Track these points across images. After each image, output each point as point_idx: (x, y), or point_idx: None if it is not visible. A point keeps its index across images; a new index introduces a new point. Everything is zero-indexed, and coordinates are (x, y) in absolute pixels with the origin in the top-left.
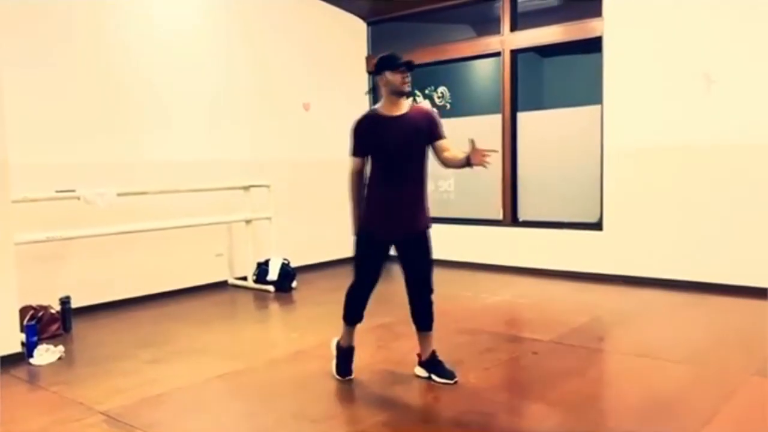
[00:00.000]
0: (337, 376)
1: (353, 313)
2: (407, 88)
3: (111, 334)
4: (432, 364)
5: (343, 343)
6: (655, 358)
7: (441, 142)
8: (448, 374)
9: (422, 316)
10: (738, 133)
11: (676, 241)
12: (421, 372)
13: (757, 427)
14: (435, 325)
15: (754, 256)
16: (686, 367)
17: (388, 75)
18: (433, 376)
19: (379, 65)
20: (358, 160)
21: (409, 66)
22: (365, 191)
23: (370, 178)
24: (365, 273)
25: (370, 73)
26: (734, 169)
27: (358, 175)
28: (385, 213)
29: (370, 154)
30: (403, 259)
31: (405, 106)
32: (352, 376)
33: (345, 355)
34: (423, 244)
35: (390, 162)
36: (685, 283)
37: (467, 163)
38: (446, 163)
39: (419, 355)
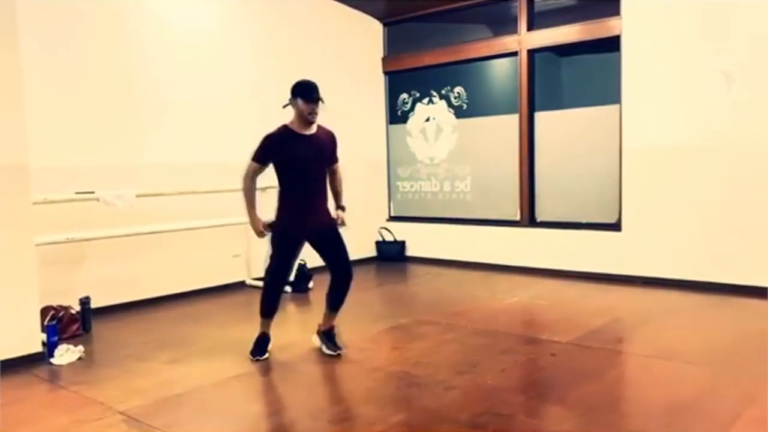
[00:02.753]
0: (252, 357)
1: (272, 305)
2: (313, 118)
3: (130, 335)
4: (327, 336)
5: (263, 332)
6: (675, 360)
7: (335, 166)
8: (337, 347)
9: (338, 297)
10: (759, 132)
11: (696, 241)
12: (316, 341)
13: None
14: (451, 324)
15: None
16: (707, 370)
17: (300, 103)
18: (324, 348)
19: (295, 92)
20: (256, 165)
21: (321, 101)
22: (278, 198)
23: (282, 187)
24: (284, 264)
25: (386, 73)
26: (755, 168)
27: (251, 179)
28: (298, 214)
29: (281, 165)
30: (322, 250)
31: (314, 126)
32: (262, 357)
33: (263, 340)
34: (334, 233)
35: (300, 173)
36: (705, 285)
37: (337, 207)
38: (332, 186)
39: (319, 325)
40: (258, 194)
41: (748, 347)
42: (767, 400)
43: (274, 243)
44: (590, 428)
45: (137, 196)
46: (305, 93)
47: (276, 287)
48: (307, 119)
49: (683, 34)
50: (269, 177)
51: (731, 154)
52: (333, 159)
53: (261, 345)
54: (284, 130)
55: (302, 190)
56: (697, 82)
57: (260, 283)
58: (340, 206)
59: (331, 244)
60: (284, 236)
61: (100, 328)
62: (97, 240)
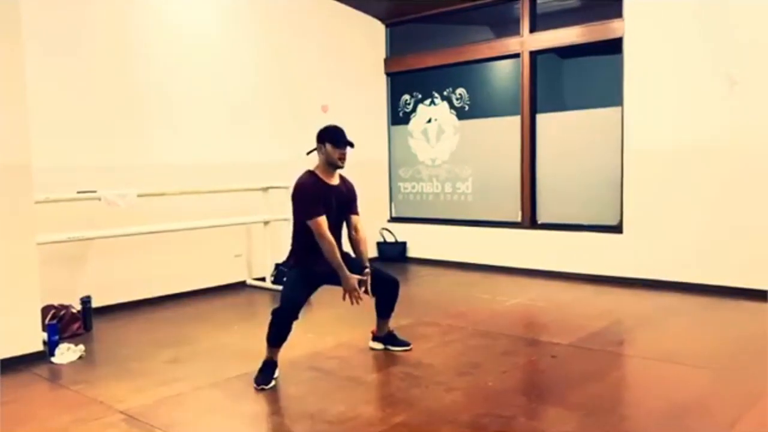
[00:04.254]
0: (257, 386)
1: (285, 336)
2: (342, 164)
3: (131, 334)
4: (390, 338)
5: (270, 358)
6: (675, 363)
7: (354, 217)
8: (406, 343)
9: (389, 305)
10: (760, 135)
11: (698, 244)
12: (377, 345)
13: None
14: (452, 326)
15: None
16: (708, 372)
17: (329, 148)
18: (392, 347)
19: (323, 137)
20: (323, 217)
21: (351, 145)
22: (299, 241)
23: (306, 232)
24: (303, 300)
25: (388, 74)
26: (757, 171)
27: (329, 233)
28: (323, 258)
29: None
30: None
31: (337, 177)
32: (267, 387)
33: (271, 366)
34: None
35: (330, 223)
36: (706, 287)
37: (360, 270)
38: (351, 241)
39: (374, 332)
40: (259, 194)
41: (749, 350)
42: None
43: (296, 280)
44: (591, 430)
45: (139, 195)
46: (335, 138)
47: (291, 321)
48: (336, 164)
49: (685, 36)
50: (270, 177)
51: (732, 157)
52: (354, 210)
53: (268, 371)
54: (315, 179)
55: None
56: (699, 84)
57: (261, 284)
58: (365, 267)
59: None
60: (309, 274)
61: (101, 328)
62: (98, 239)
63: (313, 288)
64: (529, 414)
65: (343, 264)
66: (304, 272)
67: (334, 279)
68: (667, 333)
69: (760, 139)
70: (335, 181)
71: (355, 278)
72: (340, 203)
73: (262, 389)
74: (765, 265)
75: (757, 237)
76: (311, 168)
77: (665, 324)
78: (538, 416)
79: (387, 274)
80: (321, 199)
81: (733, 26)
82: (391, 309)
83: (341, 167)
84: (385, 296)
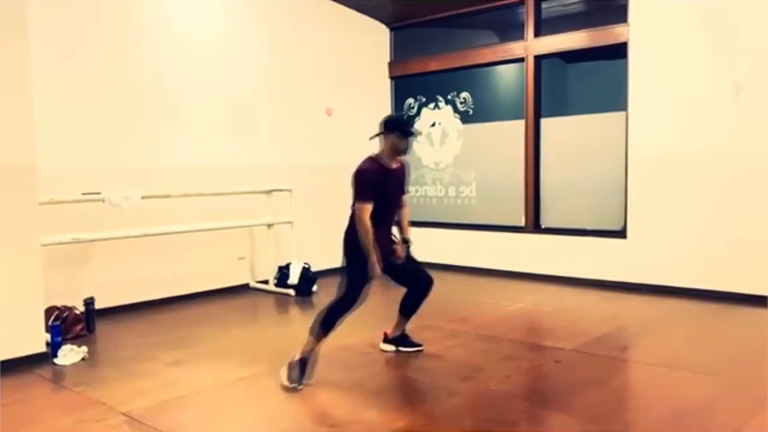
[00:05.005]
0: (289, 384)
1: (333, 326)
2: (408, 152)
3: (134, 336)
4: (402, 340)
5: (310, 351)
6: (679, 369)
7: (404, 196)
8: (417, 344)
9: (416, 304)
10: (765, 141)
11: (702, 250)
12: (387, 347)
13: None
14: (455, 330)
15: None
16: (712, 379)
17: (396, 137)
18: (403, 348)
19: (390, 125)
20: (370, 204)
21: (415, 135)
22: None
23: (371, 218)
24: (359, 294)
25: (392, 78)
26: (761, 176)
27: (368, 219)
28: (380, 245)
29: (375, 199)
30: (398, 274)
31: (397, 160)
32: (300, 387)
33: (305, 365)
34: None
35: (386, 207)
36: (710, 293)
37: (402, 240)
38: (402, 218)
39: (387, 333)
40: (263, 197)
41: (753, 356)
42: None
43: (358, 273)
44: None
45: (143, 197)
46: (403, 128)
47: (347, 313)
48: (402, 153)
49: (690, 42)
50: (273, 180)
51: (736, 163)
52: (405, 190)
53: (305, 370)
54: (378, 165)
55: (384, 222)
56: (704, 90)
57: (264, 286)
58: (405, 240)
59: (406, 263)
60: (366, 273)
61: (104, 329)
62: (102, 241)
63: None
64: (532, 419)
65: (373, 251)
66: (366, 265)
67: (388, 265)
68: (671, 339)
69: (764, 144)
70: (395, 164)
71: (380, 270)
72: (398, 184)
73: (301, 388)
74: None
75: (761, 243)
76: (372, 154)
77: (669, 330)
78: (541, 422)
79: (424, 271)
80: (378, 185)
81: (738, 31)
82: (417, 308)
83: (406, 155)
84: (415, 293)
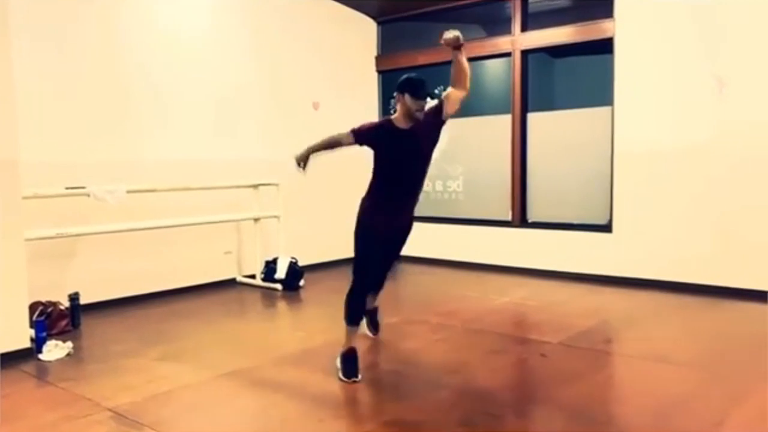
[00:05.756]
0: (344, 379)
1: (362, 310)
2: (420, 116)
3: (119, 331)
4: (370, 316)
5: (347, 345)
6: (663, 362)
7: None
8: (375, 330)
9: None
10: (749, 136)
11: (686, 243)
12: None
13: None
14: (442, 324)
15: (764, 259)
16: (695, 371)
17: (408, 99)
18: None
19: (403, 86)
20: (351, 140)
21: (431, 96)
22: (368, 190)
23: (374, 183)
24: (371, 263)
25: (379, 72)
26: (745, 172)
27: (337, 142)
28: (384, 213)
29: (379, 158)
30: (385, 244)
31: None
32: (359, 378)
33: (352, 357)
34: (406, 236)
35: (396, 171)
36: (694, 286)
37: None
38: (458, 80)
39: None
40: (250, 191)
41: (737, 349)
42: (754, 402)
43: (358, 243)
44: (579, 429)
45: (128, 192)
46: (414, 90)
47: (364, 290)
48: (414, 116)
49: (676, 37)
50: (260, 174)
51: (721, 158)
52: (443, 116)
53: (354, 361)
54: (388, 123)
55: (393, 188)
56: (690, 85)
57: (250, 281)
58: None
59: (396, 243)
60: (368, 234)
61: (89, 325)
62: (87, 236)
63: (378, 246)
64: (518, 412)
65: (316, 149)
66: (364, 232)
67: (390, 235)
68: (655, 332)
69: (748, 140)
70: (410, 124)
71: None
72: (414, 147)
73: (354, 382)
74: (751, 265)
75: (745, 237)
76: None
77: (653, 323)
78: (527, 415)
79: (395, 255)
80: (379, 144)
81: (724, 27)
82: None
83: (419, 119)
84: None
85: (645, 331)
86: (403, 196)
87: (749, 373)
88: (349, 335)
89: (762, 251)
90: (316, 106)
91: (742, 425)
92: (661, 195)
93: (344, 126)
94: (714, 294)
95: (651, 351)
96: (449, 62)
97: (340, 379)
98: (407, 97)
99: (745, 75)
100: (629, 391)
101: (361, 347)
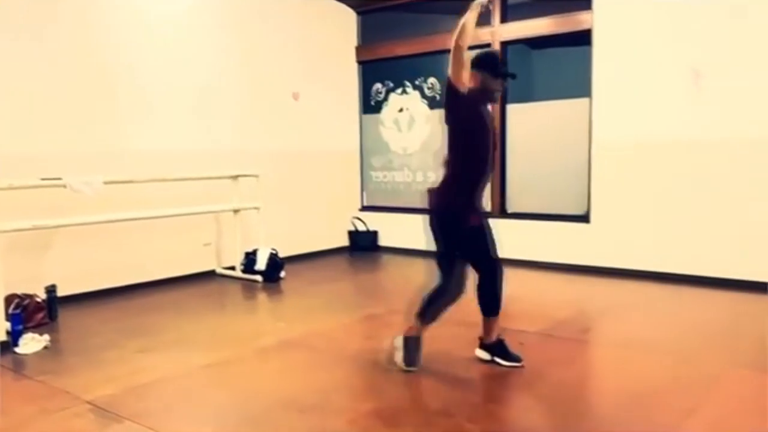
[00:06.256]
0: (407, 367)
1: (430, 315)
2: (497, 97)
3: (98, 324)
4: (500, 348)
5: (414, 333)
6: (639, 350)
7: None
8: (518, 359)
9: (491, 295)
10: (725, 128)
11: (663, 233)
12: (483, 354)
13: (740, 418)
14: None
15: (737, 249)
16: (670, 359)
17: (486, 77)
18: (500, 361)
19: (480, 64)
20: (464, 90)
21: (512, 77)
22: (458, 176)
23: (467, 161)
24: (453, 276)
25: (359, 62)
26: (720, 163)
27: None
28: (479, 199)
29: (470, 129)
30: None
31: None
32: (416, 368)
33: (416, 345)
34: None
35: (486, 145)
36: (671, 276)
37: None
38: (461, 39)
39: (481, 338)
40: (229, 182)
41: (711, 337)
42: (728, 389)
43: (479, 241)
44: (557, 416)
45: (106, 183)
46: (494, 68)
47: (446, 299)
48: (492, 98)
49: (653, 29)
50: (239, 165)
51: (698, 149)
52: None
53: (419, 348)
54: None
55: (478, 171)
56: (667, 77)
57: (230, 273)
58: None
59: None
60: (484, 223)
61: (66, 317)
62: (64, 227)
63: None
64: (496, 400)
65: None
66: (476, 225)
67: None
68: (633, 321)
69: (724, 131)
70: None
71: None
72: (492, 128)
73: (410, 371)
74: (727, 254)
75: (719, 227)
76: None
77: (631, 312)
78: (506, 403)
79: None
80: (477, 106)
81: (701, 19)
82: (495, 301)
83: (496, 101)
84: (484, 282)
85: (622, 320)
86: (482, 185)
87: (723, 361)
88: (422, 329)
89: (735, 241)
90: (295, 96)
91: (716, 411)
92: (638, 185)
93: (325, 117)
94: (691, 283)
95: (628, 340)
96: (429, 53)
97: (396, 365)
98: (486, 75)
99: (723, 67)
100: (606, 380)
101: (342, 338)
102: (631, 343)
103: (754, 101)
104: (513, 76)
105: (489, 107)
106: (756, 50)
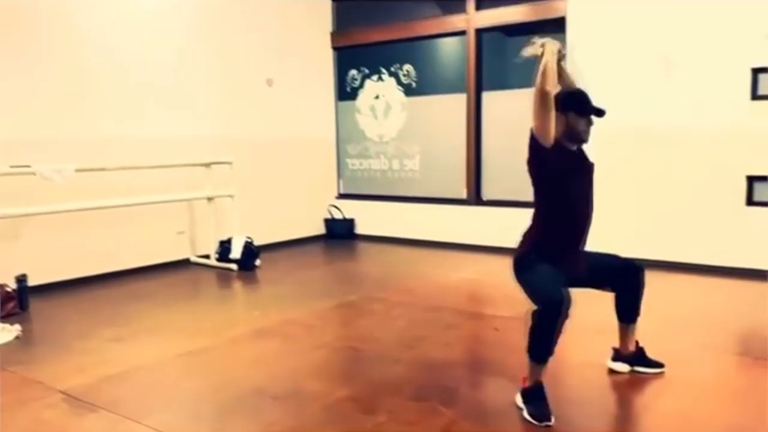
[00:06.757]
0: (539, 423)
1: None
2: (587, 139)
3: (70, 313)
4: (639, 357)
5: (533, 380)
6: (613, 335)
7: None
8: (658, 364)
9: (632, 302)
10: (697, 116)
11: (636, 220)
12: (621, 367)
13: (711, 400)
14: (399, 301)
15: (708, 236)
16: (643, 343)
17: (572, 117)
18: (642, 369)
19: (565, 104)
20: (556, 112)
21: (601, 114)
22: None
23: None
24: (557, 295)
25: (334, 49)
26: (692, 151)
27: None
28: (562, 257)
29: (549, 179)
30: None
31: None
32: (552, 421)
33: (540, 394)
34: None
35: (571, 199)
36: (644, 261)
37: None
38: (548, 84)
39: (617, 349)
40: (202, 169)
41: (684, 321)
42: (698, 371)
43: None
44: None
45: (77, 170)
46: (580, 103)
47: (555, 321)
48: (581, 139)
49: (626, 17)
50: (213, 153)
51: (670, 137)
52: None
53: (544, 399)
54: (557, 143)
55: (568, 226)
56: (640, 65)
57: (205, 261)
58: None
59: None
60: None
61: (38, 307)
62: (34, 216)
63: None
64: (471, 385)
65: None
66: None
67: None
68: (607, 306)
69: (697, 119)
70: (576, 147)
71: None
72: (586, 174)
73: (548, 426)
74: (699, 241)
75: (691, 213)
76: None
77: (602, 297)
78: (480, 386)
79: (624, 259)
80: (555, 158)
81: (674, 8)
82: (637, 307)
83: (586, 142)
84: (625, 288)
85: (596, 306)
86: (577, 239)
87: (693, 344)
88: (538, 371)
89: (706, 228)
90: (269, 82)
91: (684, 392)
92: (612, 173)
93: (300, 104)
94: (663, 268)
95: (602, 324)
96: (404, 40)
97: (529, 422)
98: (572, 115)
99: (697, 55)
100: (580, 364)
101: (317, 325)
102: (605, 328)
103: (726, 88)
104: (601, 113)
105: (585, 152)
106: (728, 37)
